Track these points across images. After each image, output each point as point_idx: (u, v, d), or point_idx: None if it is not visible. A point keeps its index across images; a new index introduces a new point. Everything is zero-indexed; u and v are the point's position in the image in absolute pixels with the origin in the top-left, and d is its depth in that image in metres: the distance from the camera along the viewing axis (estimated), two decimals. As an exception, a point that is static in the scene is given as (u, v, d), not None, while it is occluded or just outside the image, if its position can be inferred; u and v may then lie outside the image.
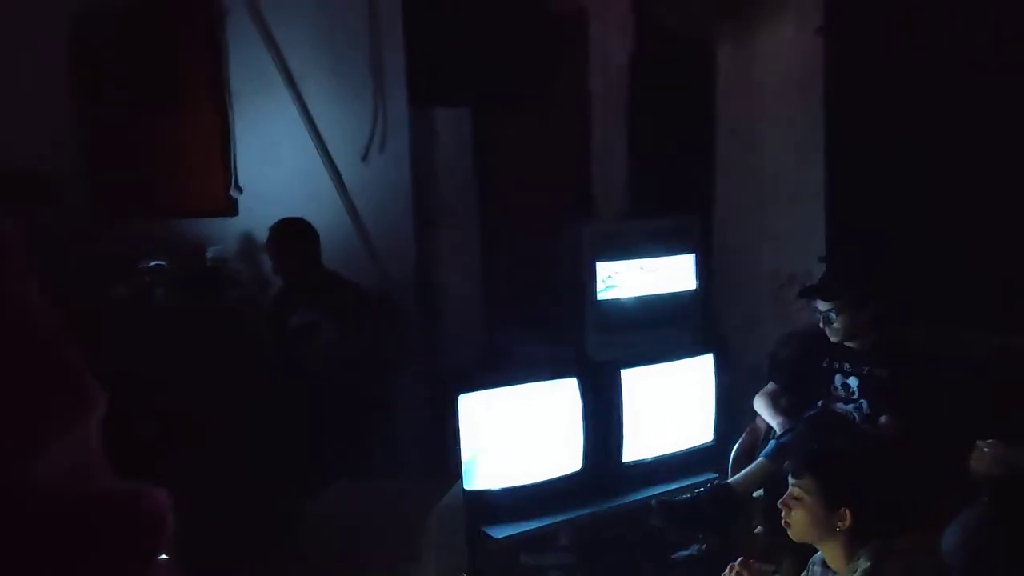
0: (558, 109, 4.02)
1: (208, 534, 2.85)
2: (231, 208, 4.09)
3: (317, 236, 3.68)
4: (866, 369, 3.22)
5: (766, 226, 3.93)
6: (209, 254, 3.89)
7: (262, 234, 3.86)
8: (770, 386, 3.44)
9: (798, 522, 2.22)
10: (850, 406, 3.23)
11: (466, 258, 4.05)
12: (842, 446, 2.42)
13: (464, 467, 3.22)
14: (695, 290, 3.77)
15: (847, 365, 3.26)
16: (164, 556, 0.59)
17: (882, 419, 3.14)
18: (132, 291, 3.48)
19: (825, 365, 3.30)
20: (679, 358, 3.72)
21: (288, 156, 4.07)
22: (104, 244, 3.65)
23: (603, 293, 3.57)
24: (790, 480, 2.27)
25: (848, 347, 3.25)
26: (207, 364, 3.32)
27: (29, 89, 3.54)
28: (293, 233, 3.65)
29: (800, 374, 3.38)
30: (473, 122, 4.06)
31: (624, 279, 3.61)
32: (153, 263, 3.61)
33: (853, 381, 3.24)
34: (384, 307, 3.83)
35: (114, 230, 3.68)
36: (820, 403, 3.24)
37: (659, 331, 3.69)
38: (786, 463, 2.44)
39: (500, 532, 3.25)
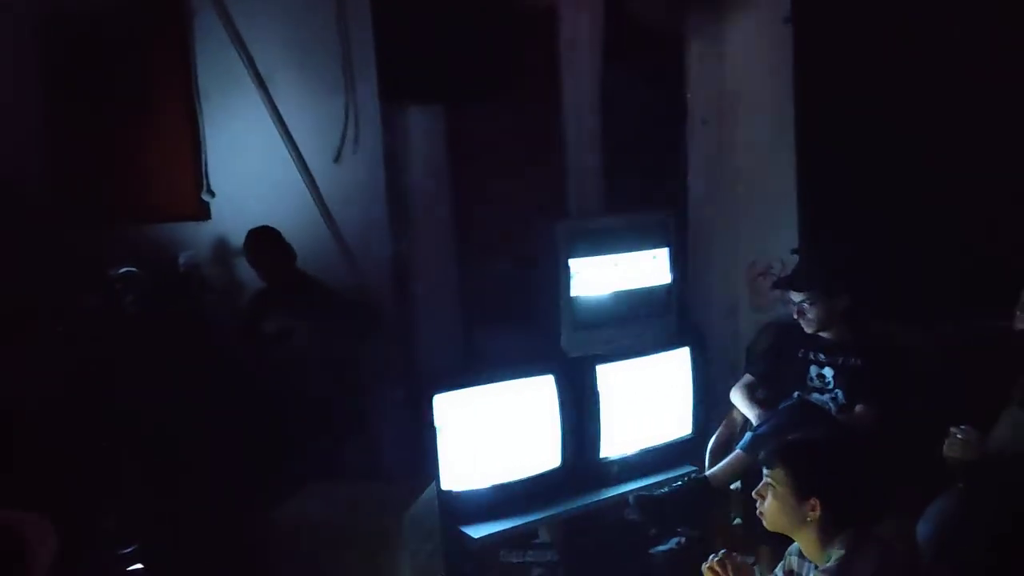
0: (530, 104, 4.00)
1: (183, 540, 2.84)
2: (203, 212, 4.06)
3: (285, 243, 3.68)
4: (840, 359, 3.24)
5: (740, 218, 3.93)
6: (182, 259, 3.86)
7: (235, 238, 3.84)
8: (746, 378, 3.45)
9: (771, 512, 2.23)
10: (825, 396, 3.25)
11: (441, 257, 4.03)
12: (813, 436, 2.41)
13: (441, 467, 3.21)
14: (670, 284, 3.76)
15: (821, 355, 3.27)
16: None
17: (857, 408, 3.16)
18: (102, 299, 3.44)
19: (800, 356, 3.31)
20: (655, 352, 3.72)
21: (260, 158, 4.04)
22: (73, 250, 3.61)
23: (577, 289, 3.56)
24: (763, 471, 2.28)
25: (822, 337, 3.27)
26: (180, 371, 3.29)
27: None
28: (262, 242, 3.65)
29: (776, 365, 3.40)
30: (446, 119, 4.04)
31: (598, 275, 3.60)
32: (124, 270, 3.57)
33: (828, 371, 3.25)
34: (360, 309, 3.81)
35: (83, 236, 3.64)
36: (796, 394, 3.25)
37: (634, 326, 3.68)
38: (759, 454, 2.45)
39: (479, 531, 3.24)
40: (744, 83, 3.88)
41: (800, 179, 3.79)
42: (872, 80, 3.59)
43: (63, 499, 2.63)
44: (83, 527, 2.65)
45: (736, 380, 3.47)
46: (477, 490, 3.32)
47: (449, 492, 3.21)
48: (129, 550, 2.58)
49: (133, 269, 3.65)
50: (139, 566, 2.47)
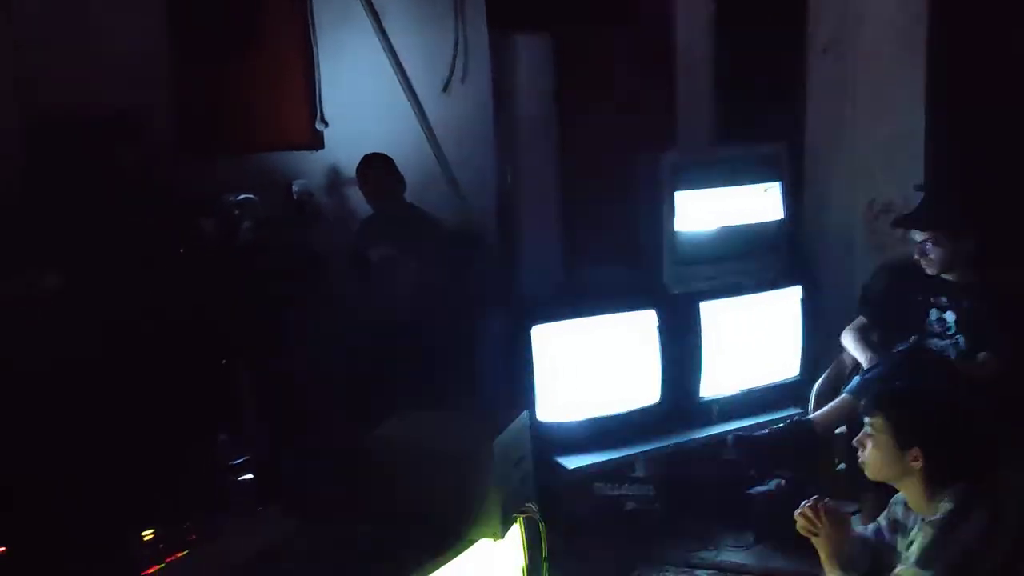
0: (640, 31, 3.88)
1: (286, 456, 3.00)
2: (317, 141, 4.17)
3: (397, 170, 3.74)
4: (964, 303, 3.05)
5: (861, 152, 3.70)
6: (295, 188, 3.99)
7: (347, 167, 3.93)
8: (860, 320, 3.31)
9: (872, 461, 2.17)
10: (945, 342, 3.08)
11: (546, 188, 4.02)
12: (920, 384, 2.30)
13: (537, 398, 3.24)
14: (782, 220, 3.61)
15: (943, 299, 3.09)
16: None
17: (980, 356, 2.98)
18: (220, 225, 3.60)
19: (920, 299, 3.14)
20: (763, 290, 3.60)
21: (371, 89, 4.11)
22: (192, 179, 3.78)
23: (681, 224, 3.47)
24: (864, 418, 2.20)
25: (945, 280, 3.08)
26: (292, 296, 3.44)
27: (119, 28, 3.66)
28: (376, 166, 3.73)
29: (893, 308, 3.24)
30: (554, 48, 3.98)
31: (704, 209, 3.50)
32: (240, 197, 3.71)
33: (950, 316, 3.08)
34: (463, 240, 3.86)
35: (202, 165, 3.80)
36: (913, 339, 3.09)
37: (741, 263, 3.57)
38: (863, 400, 2.36)
39: (574, 462, 3.27)
40: (869, 6, 3.61)
41: (929, 110, 3.53)
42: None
43: (180, 412, 2.82)
44: (198, 439, 2.83)
45: (849, 322, 3.33)
46: (573, 422, 3.34)
47: (544, 423, 3.24)
48: (239, 461, 2.74)
49: (250, 196, 3.80)
50: (248, 476, 2.63)
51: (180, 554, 1.88)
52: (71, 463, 2.35)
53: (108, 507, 2.19)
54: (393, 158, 3.81)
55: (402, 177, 3.79)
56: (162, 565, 1.84)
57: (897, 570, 2.04)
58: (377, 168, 3.77)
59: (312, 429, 3.23)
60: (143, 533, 1.94)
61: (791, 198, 3.64)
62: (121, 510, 2.12)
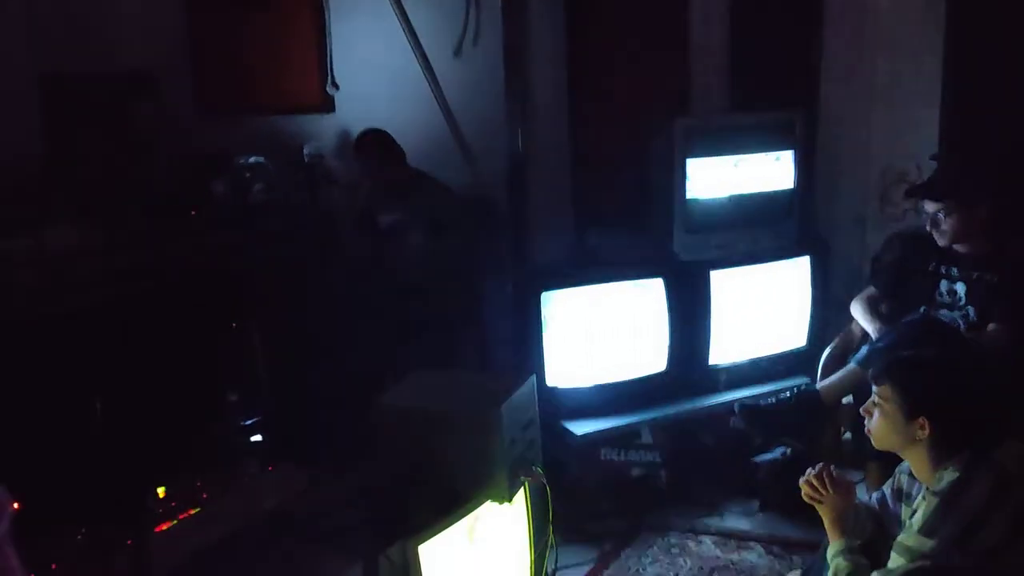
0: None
1: (300, 418, 3.03)
2: (328, 105, 4.16)
3: (393, 145, 3.73)
4: (975, 274, 3.04)
5: (875, 120, 3.66)
6: (306, 151, 3.99)
7: (357, 130, 3.92)
8: (870, 290, 3.30)
9: (878, 430, 2.17)
10: (955, 313, 3.07)
11: (557, 153, 4.00)
12: (928, 354, 2.29)
13: (546, 363, 3.25)
14: (793, 188, 3.59)
15: (954, 270, 3.08)
16: None
17: (990, 327, 2.98)
18: (232, 186, 3.61)
19: (930, 270, 3.13)
20: (773, 260, 3.59)
21: (383, 52, 4.09)
22: (205, 140, 3.79)
23: (693, 191, 3.45)
24: (872, 387, 2.20)
25: (956, 251, 3.07)
26: (298, 258, 3.45)
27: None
28: (369, 145, 3.73)
29: (903, 278, 3.23)
30: (566, 11, 3.93)
31: (716, 176, 3.48)
32: (252, 159, 3.72)
33: (960, 287, 3.07)
34: (474, 205, 3.85)
35: (214, 126, 3.81)
36: (922, 309, 3.09)
37: (752, 231, 3.55)
38: (871, 370, 2.36)
39: (581, 428, 3.29)
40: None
41: (946, 79, 3.49)
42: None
43: (192, 371, 2.84)
44: (210, 400, 2.86)
45: (859, 292, 3.33)
46: (581, 388, 3.36)
47: (553, 388, 3.26)
48: (251, 422, 2.77)
49: (260, 159, 3.80)
50: (258, 438, 2.65)
51: (192, 511, 1.91)
52: (86, 419, 2.38)
53: (123, 464, 2.22)
54: (401, 123, 3.80)
55: (399, 149, 3.77)
56: (175, 521, 1.87)
57: (900, 538, 2.05)
58: (369, 146, 3.77)
59: (321, 389, 3.26)
60: (157, 490, 1.98)
61: (804, 166, 3.61)
62: (135, 467, 2.15)
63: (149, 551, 1.86)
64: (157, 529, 1.93)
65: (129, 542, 1.89)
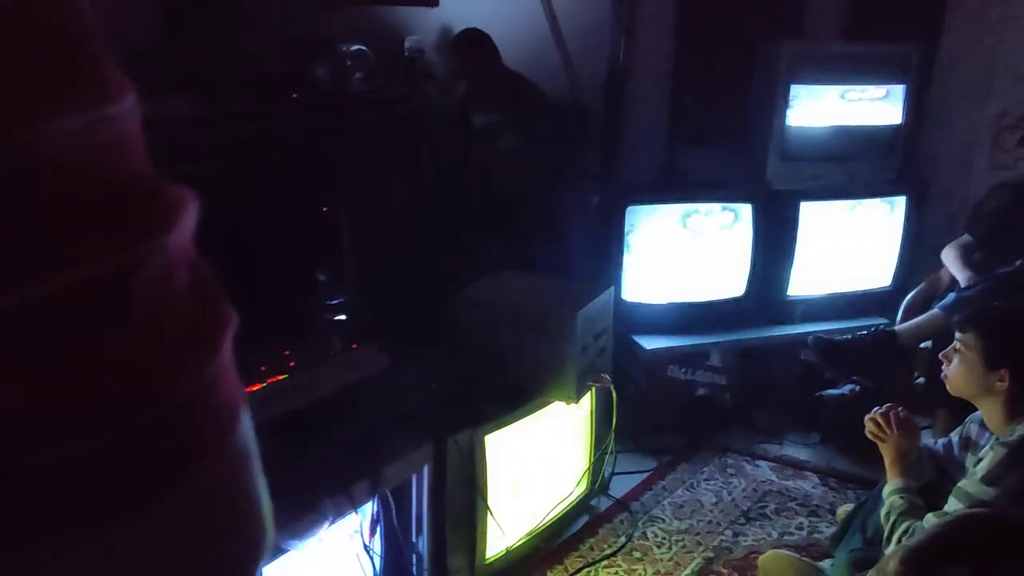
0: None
1: (383, 304, 3.14)
2: (432, -1, 4.12)
3: (490, 46, 3.71)
4: (1083, 230, 2.93)
5: (998, 62, 3.48)
6: (407, 44, 3.99)
7: (459, 26, 3.90)
8: (965, 237, 3.21)
9: (956, 377, 2.17)
10: (1053, 270, 2.97)
11: (658, 67, 3.92)
12: (1019, 307, 2.25)
13: (624, 277, 3.29)
14: (900, 125, 3.47)
15: (1060, 225, 2.97)
16: None
17: (1087, 287, 2.88)
18: (332, 72, 3.65)
19: (1033, 223, 3.02)
20: (868, 196, 3.51)
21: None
22: (309, 24, 3.82)
23: (794, 118, 3.36)
24: (955, 334, 2.19)
25: (1065, 205, 2.95)
26: (392, 150, 3.50)
27: None
28: (469, 41, 3.70)
29: (1004, 228, 3.12)
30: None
31: (820, 105, 3.38)
32: (354, 47, 3.74)
33: (1062, 244, 2.96)
34: (568, 114, 3.83)
35: (320, 11, 3.83)
36: (1019, 262, 2.99)
37: (850, 165, 3.46)
38: (956, 316, 2.33)
39: (652, 343, 3.34)
40: None
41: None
42: None
43: (286, 245, 2.96)
44: (301, 275, 2.98)
45: (953, 239, 3.24)
46: (656, 305, 3.39)
47: (628, 302, 3.30)
48: (336, 302, 2.88)
49: (363, 47, 3.82)
50: (342, 317, 2.76)
51: (280, 377, 2.03)
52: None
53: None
54: (504, 25, 3.76)
55: (498, 51, 3.74)
56: (264, 384, 1.99)
57: (961, 483, 2.07)
58: (469, 45, 3.75)
59: (404, 278, 3.36)
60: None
61: (913, 103, 3.47)
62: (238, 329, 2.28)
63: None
64: (248, 388, 2.06)
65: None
